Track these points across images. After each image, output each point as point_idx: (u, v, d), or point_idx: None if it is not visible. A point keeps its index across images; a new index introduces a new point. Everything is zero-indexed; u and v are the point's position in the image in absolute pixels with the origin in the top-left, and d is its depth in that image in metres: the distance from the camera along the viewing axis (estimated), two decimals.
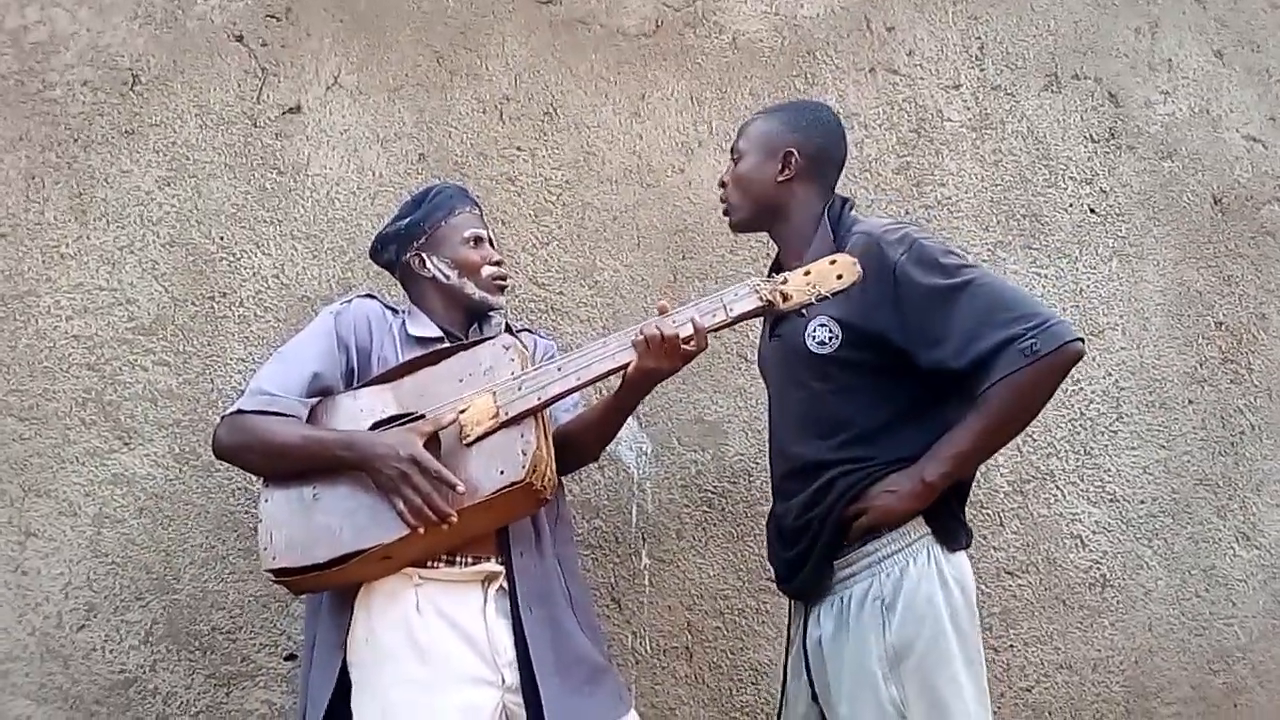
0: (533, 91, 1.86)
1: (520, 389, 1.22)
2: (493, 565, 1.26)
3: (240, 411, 1.27)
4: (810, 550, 1.28)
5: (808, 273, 1.19)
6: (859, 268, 1.19)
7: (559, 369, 1.23)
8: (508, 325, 1.46)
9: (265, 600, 1.62)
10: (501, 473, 1.18)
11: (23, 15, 1.74)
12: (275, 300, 1.73)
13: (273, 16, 1.82)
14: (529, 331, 1.53)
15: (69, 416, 1.63)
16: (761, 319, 1.45)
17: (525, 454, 1.18)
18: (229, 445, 1.28)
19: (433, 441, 1.22)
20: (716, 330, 1.23)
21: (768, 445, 1.44)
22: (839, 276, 1.18)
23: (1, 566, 1.58)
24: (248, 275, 1.73)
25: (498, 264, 1.43)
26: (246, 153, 1.77)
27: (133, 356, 1.67)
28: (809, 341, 1.29)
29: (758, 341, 1.52)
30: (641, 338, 1.20)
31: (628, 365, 1.22)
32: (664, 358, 1.21)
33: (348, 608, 1.25)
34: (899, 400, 1.28)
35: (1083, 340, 1.23)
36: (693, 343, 1.20)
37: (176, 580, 1.62)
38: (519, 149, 1.85)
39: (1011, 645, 1.83)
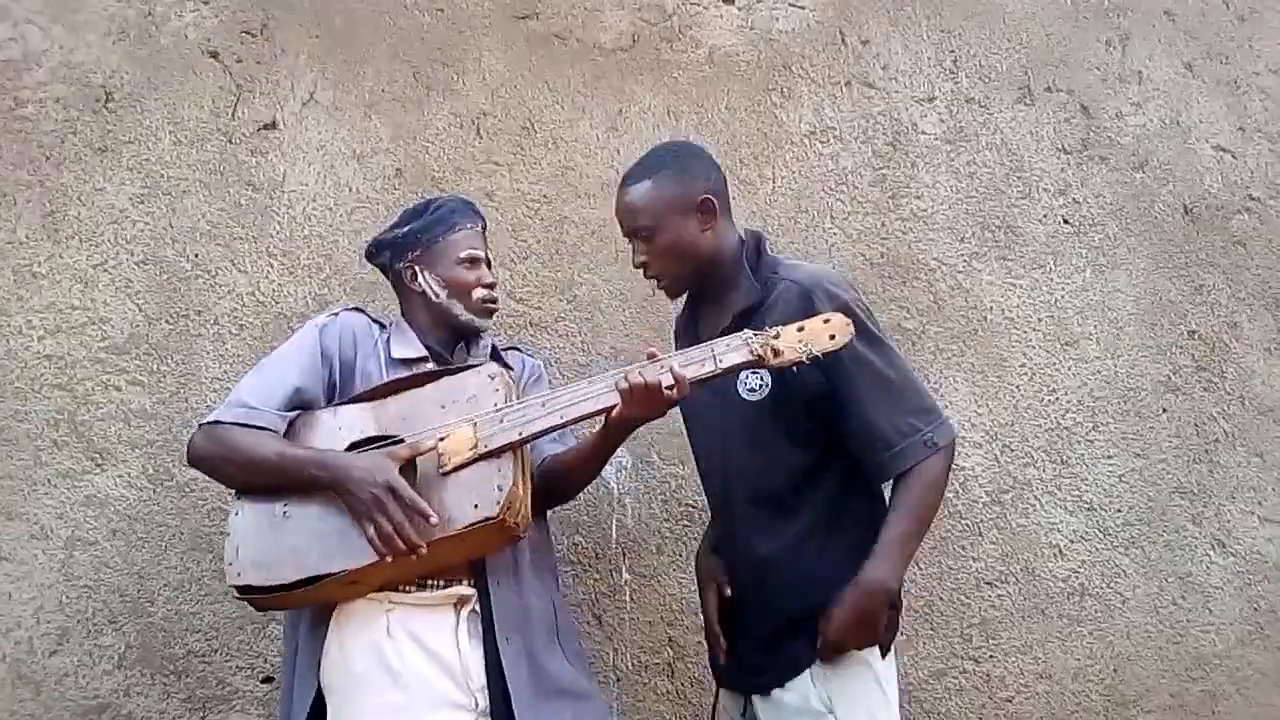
0: (510, 106, 1.86)
1: (502, 421, 1.21)
2: (464, 589, 1.26)
3: (218, 422, 1.26)
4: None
5: (801, 329, 1.18)
6: (852, 329, 1.17)
7: (543, 404, 1.22)
8: (494, 346, 1.45)
9: (241, 623, 1.60)
10: (476, 507, 1.17)
11: None
12: (251, 318, 1.72)
13: (248, 33, 1.81)
14: (516, 350, 1.52)
15: (40, 438, 1.61)
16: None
17: (501, 489, 1.17)
18: (204, 454, 1.27)
19: (409, 468, 1.21)
20: (703, 381, 1.20)
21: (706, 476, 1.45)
22: (831, 337, 1.17)
23: None
24: (223, 293, 1.72)
25: (490, 286, 1.41)
26: (221, 169, 1.76)
27: (106, 376, 1.65)
28: (740, 389, 1.30)
29: None
30: (625, 384, 1.19)
31: (612, 408, 1.21)
32: (646, 406, 1.20)
33: (324, 625, 1.24)
34: (814, 451, 1.30)
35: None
36: (675, 391, 1.19)
37: (150, 603, 1.60)
38: (496, 164, 1.85)
39: (991, 655, 1.83)
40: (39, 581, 1.58)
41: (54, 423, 1.62)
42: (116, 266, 1.69)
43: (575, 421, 1.24)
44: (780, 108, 1.95)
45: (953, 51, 2.04)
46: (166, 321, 1.69)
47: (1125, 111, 2.08)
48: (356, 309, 1.42)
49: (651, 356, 1.21)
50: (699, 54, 1.95)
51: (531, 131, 1.86)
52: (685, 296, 1.46)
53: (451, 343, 1.42)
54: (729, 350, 1.19)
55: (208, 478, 1.59)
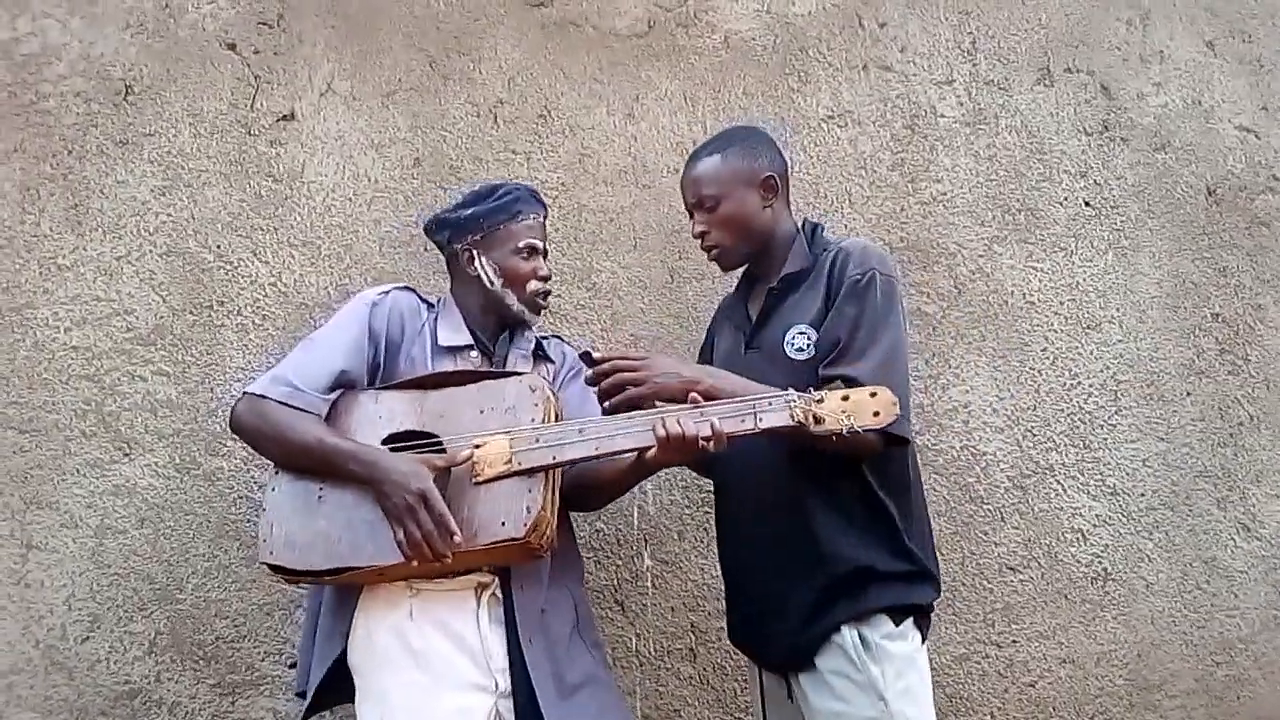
0: (526, 94, 1.86)
1: (538, 441, 1.21)
2: (484, 576, 1.27)
3: (264, 397, 1.26)
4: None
5: (846, 398, 1.16)
6: (898, 409, 1.15)
7: (579, 431, 1.22)
8: (539, 341, 1.45)
9: (269, 609, 1.62)
10: (503, 524, 1.18)
11: (14, 27, 1.74)
12: (273, 308, 1.73)
13: (265, 24, 1.82)
14: (559, 339, 1.52)
15: (69, 428, 1.63)
16: (732, 325, 1.46)
17: (530, 511, 1.18)
18: (246, 426, 1.28)
19: (444, 472, 1.22)
20: (741, 436, 1.19)
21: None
22: (876, 414, 1.14)
23: (4, 580, 1.58)
24: (245, 283, 1.73)
25: (545, 279, 1.42)
26: (241, 160, 1.77)
27: (131, 367, 1.67)
28: (788, 349, 1.31)
29: (723, 346, 1.49)
30: (664, 432, 1.18)
31: (647, 449, 1.21)
32: (681, 454, 1.20)
33: (350, 601, 1.27)
34: None
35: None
36: (711, 444, 1.18)
37: (179, 590, 1.62)
38: (514, 152, 1.85)
39: (1015, 641, 1.83)
40: (70, 569, 1.60)
41: (82, 413, 1.64)
42: (140, 258, 1.71)
43: (609, 455, 1.24)
44: (798, 92, 1.94)
45: (971, 33, 2.02)
46: (190, 312, 1.70)
47: (1146, 92, 2.06)
48: (407, 288, 1.42)
49: (694, 402, 1.20)
50: (715, 39, 1.94)
51: (548, 119, 1.86)
52: (740, 278, 1.48)
53: (498, 330, 1.42)
54: (770, 410, 1.16)
55: (233, 469, 1.64)
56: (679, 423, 1.18)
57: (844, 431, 1.14)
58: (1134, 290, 1.98)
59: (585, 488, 1.38)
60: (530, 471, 1.21)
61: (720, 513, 1.48)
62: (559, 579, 1.33)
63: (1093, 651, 1.85)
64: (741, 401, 1.19)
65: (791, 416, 1.15)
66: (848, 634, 1.25)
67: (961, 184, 1.96)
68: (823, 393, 1.16)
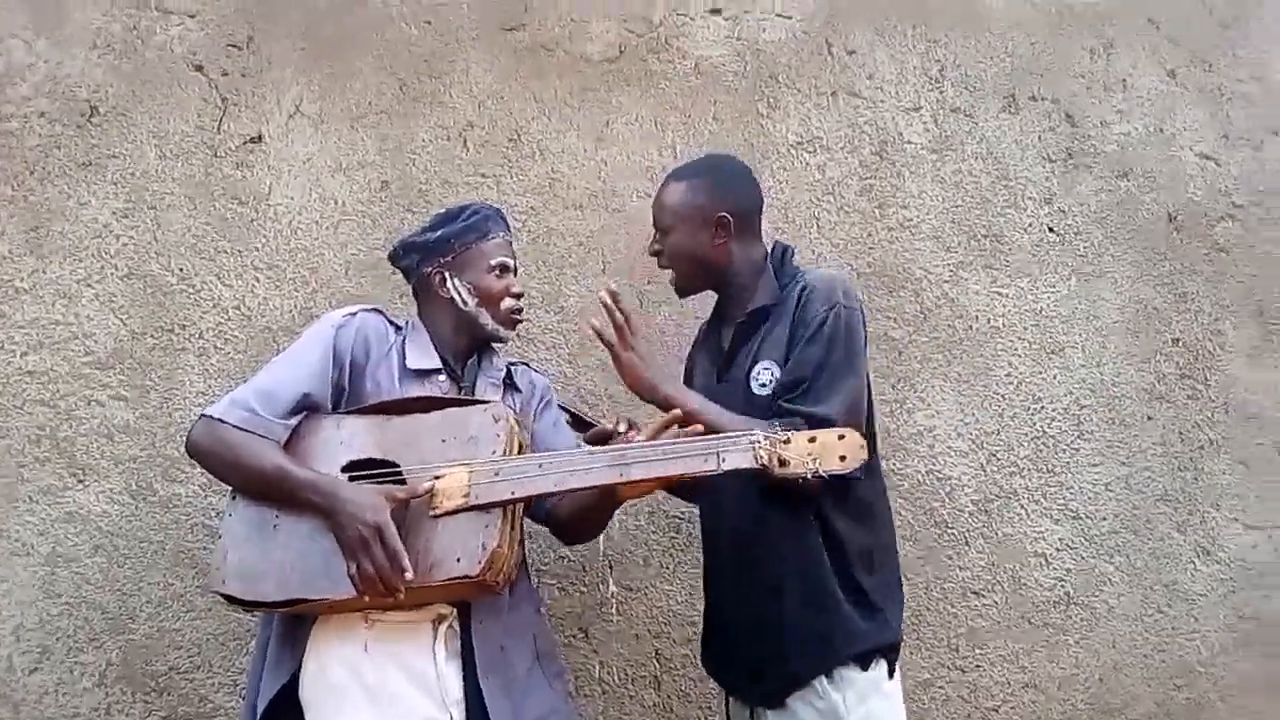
0: (497, 118, 1.87)
1: (497, 475, 1.20)
2: (442, 607, 1.26)
3: (222, 421, 1.24)
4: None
5: (813, 439, 1.13)
6: (865, 453, 1.13)
7: (539, 466, 1.20)
8: (509, 367, 1.44)
9: (223, 638, 1.60)
10: (458, 560, 1.17)
11: None
12: (236, 331, 1.71)
13: (234, 46, 1.81)
14: (526, 365, 1.51)
15: (22, 454, 1.61)
16: (707, 355, 1.47)
17: (485, 548, 1.17)
18: (203, 450, 1.26)
19: (402, 505, 1.20)
20: (700, 477, 1.18)
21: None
22: (842, 457, 1.12)
23: None
24: (208, 307, 1.71)
25: (518, 296, 1.41)
26: (207, 183, 1.75)
27: (89, 391, 1.65)
28: (753, 384, 1.31)
29: (699, 376, 1.50)
30: (622, 477, 1.17)
31: (609, 485, 1.21)
32: (644, 490, 1.22)
33: (302, 628, 1.25)
34: None
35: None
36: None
37: (132, 620, 1.59)
38: (483, 176, 1.85)
39: (978, 665, 1.84)
40: (19, 599, 1.57)
41: (36, 439, 1.62)
42: (100, 281, 1.69)
43: (569, 492, 1.23)
44: (767, 118, 1.96)
45: (938, 61, 2.04)
46: (150, 336, 1.68)
47: (1109, 119, 2.09)
48: (375, 309, 1.40)
49: (631, 426, 1.21)
50: (686, 65, 1.95)
51: (518, 143, 1.87)
52: (713, 307, 1.50)
53: (468, 352, 1.41)
54: (734, 451, 1.14)
55: (190, 495, 1.61)
56: (639, 468, 1.16)
57: (808, 475, 1.12)
58: (1096, 315, 2.00)
59: (558, 529, 1.38)
60: (487, 506, 1.19)
61: (703, 535, 1.48)
62: (517, 610, 1.32)
63: (1055, 675, 1.86)
64: (705, 441, 1.17)
65: (756, 458, 1.13)
66: (814, 682, 1.26)
67: (928, 210, 1.98)
68: (789, 434, 1.14)
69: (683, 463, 1.16)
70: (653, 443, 1.19)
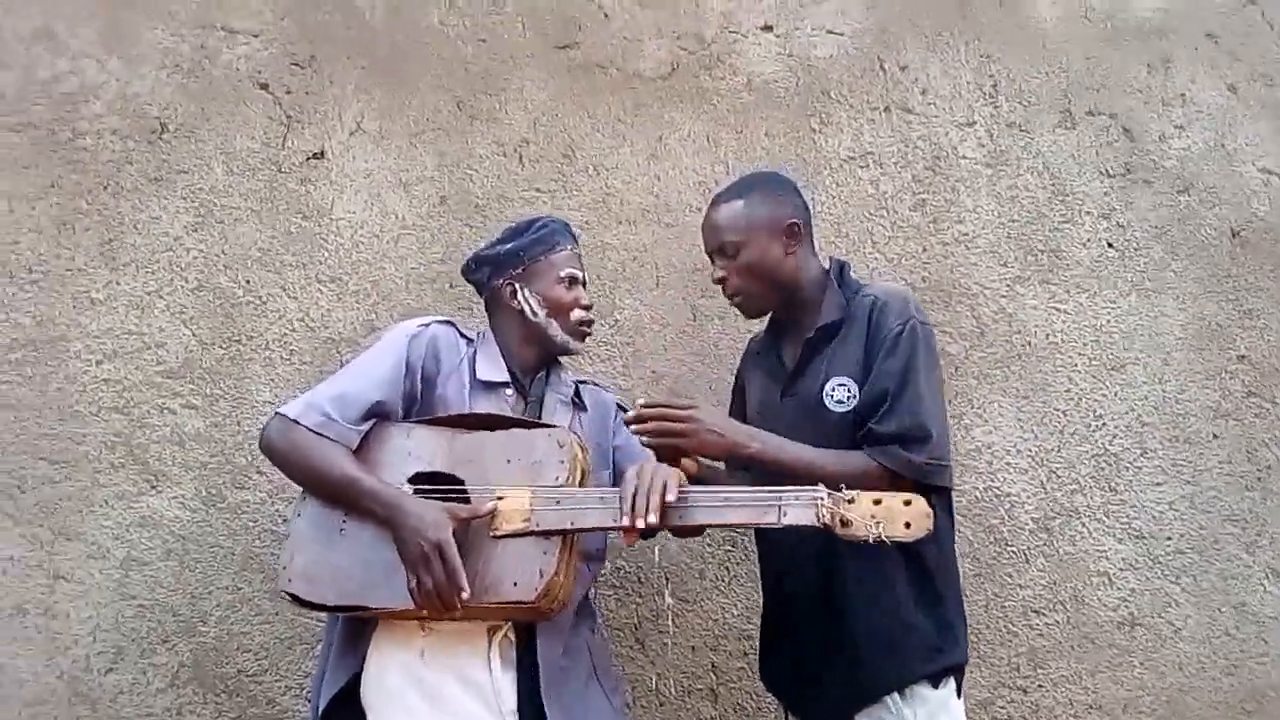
0: (551, 134, 1.89)
1: (559, 504, 1.20)
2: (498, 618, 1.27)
3: (297, 422, 1.26)
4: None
5: (878, 501, 1.11)
6: (931, 521, 1.10)
7: (601, 499, 1.20)
8: (577, 385, 1.45)
9: (291, 642, 1.62)
10: (515, 585, 1.18)
11: (54, 66, 1.79)
12: (300, 343, 1.75)
13: (297, 65, 1.86)
14: (595, 384, 1.52)
15: (98, 460, 1.65)
16: (765, 371, 1.46)
17: (543, 576, 1.17)
18: (276, 448, 1.28)
19: (464, 523, 1.21)
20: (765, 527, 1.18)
21: None
22: (908, 525, 1.09)
23: (31, 610, 1.59)
24: (274, 318, 1.75)
25: (587, 308, 1.43)
26: (272, 198, 1.80)
27: (160, 400, 1.69)
28: (827, 400, 1.31)
29: (755, 392, 1.49)
30: (686, 511, 1.18)
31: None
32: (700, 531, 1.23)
33: (366, 632, 1.27)
34: None
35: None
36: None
37: (203, 623, 1.62)
38: (539, 191, 1.87)
39: (1040, 685, 1.80)
40: (96, 600, 1.61)
41: (111, 445, 1.66)
42: (171, 293, 1.74)
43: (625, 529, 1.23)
44: (819, 133, 1.96)
45: (992, 76, 2.03)
46: (219, 346, 1.73)
47: (1168, 134, 2.06)
48: (447, 321, 1.42)
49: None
50: (738, 81, 1.96)
51: (573, 159, 1.89)
52: (767, 321, 1.48)
53: (537, 365, 1.42)
54: (796, 505, 1.13)
55: (258, 502, 1.65)
56: (700, 514, 1.17)
57: (870, 539, 1.09)
58: (1158, 332, 1.97)
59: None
60: (547, 533, 1.20)
61: (762, 547, 1.47)
62: (577, 625, 1.33)
63: (1120, 698, 1.81)
64: (769, 491, 1.16)
65: (818, 517, 1.11)
66: (887, 698, 1.24)
67: (983, 224, 1.97)
68: (854, 493, 1.12)
69: (744, 512, 1.17)
70: (715, 489, 1.20)
